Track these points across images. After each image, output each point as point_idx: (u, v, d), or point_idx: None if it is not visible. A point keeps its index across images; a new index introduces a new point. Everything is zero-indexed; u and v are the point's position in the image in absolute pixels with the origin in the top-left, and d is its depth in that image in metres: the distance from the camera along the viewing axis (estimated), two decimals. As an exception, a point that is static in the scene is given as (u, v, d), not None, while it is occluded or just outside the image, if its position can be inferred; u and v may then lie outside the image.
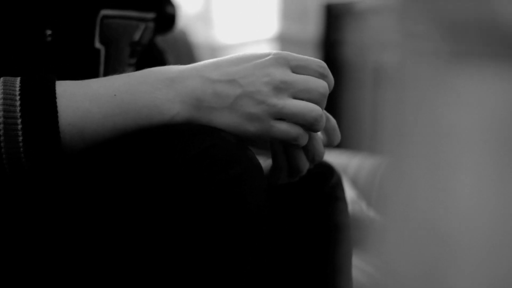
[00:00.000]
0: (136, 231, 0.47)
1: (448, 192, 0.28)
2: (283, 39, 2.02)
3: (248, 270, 0.50)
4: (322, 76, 0.54)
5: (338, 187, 0.71)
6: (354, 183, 1.27)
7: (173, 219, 0.47)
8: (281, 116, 0.52)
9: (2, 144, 0.47)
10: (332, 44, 2.09)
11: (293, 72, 0.53)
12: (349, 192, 1.14)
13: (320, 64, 0.54)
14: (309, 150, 0.57)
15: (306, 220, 0.68)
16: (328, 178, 0.71)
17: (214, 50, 2.15)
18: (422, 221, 0.29)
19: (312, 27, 2.10)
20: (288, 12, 2.03)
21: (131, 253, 0.47)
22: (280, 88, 0.52)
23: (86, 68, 0.62)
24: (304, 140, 0.54)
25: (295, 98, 0.53)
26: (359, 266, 1.01)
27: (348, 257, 0.71)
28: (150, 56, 0.79)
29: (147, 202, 0.47)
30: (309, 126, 0.53)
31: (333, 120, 0.58)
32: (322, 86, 0.53)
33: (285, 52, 0.54)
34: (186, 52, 1.43)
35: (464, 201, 0.27)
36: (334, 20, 2.09)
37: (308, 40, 2.08)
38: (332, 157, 1.34)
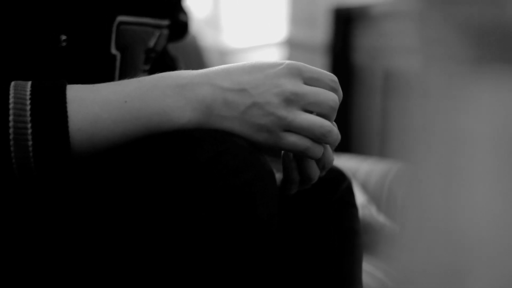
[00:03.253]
0: (147, 236, 0.47)
1: (463, 198, 0.28)
2: (291, 44, 2.02)
3: (256, 277, 0.50)
4: (333, 89, 0.54)
5: (349, 192, 0.71)
6: (364, 188, 1.27)
7: (185, 224, 0.47)
8: (290, 128, 0.52)
9: (11, 148, 0.47)
10: (340, 49, 2.09)
11: (305, 83, 0.53)
12: (360, 197, 1.14)
13: (331, 77, 0.54)
14: (319, 158, 0.56)
15: (317, 225, 0.67)
16: (339, 183, 0.70)
17: (223, 54, 2.15)
18: (436, 226, 0.29)
19: (320, 31, 2.10)
20: (297, 17, 2.03)
21: (141, 258, 0.47)
22: (291, 100, 0.52)
23: (101, 74, 0.62)
24: (316, 152, 0.54)
25: (305, 110, 0.53)
26: (370, 271, 1.01)
27: (358, 262, 0.71)
28: (162, 63, 0.79)
29: (158, 207, 0.47)
30: (318, 140, 0.53)
31: (334, 124, 0.57)
32: (333, 99, 0.53)
33: (299, 62, 0.53)
34: (195, 57, 1.43)
35: (478, 207, 0.27)
36: (342, 25, 2.08)
37: (316, 45, 2.08)
38: (342, 162, 1.34)
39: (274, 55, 2.02)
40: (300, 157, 0.56)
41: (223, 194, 0.47)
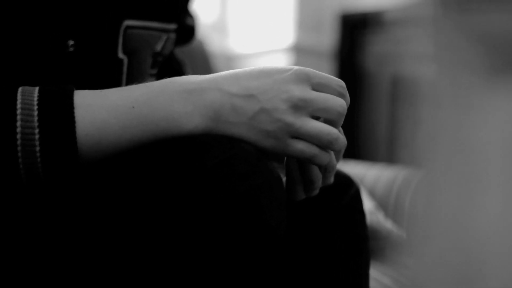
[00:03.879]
0: (154, 242, 0.47)
1: (474, 206, 0.28)
2: (298, 49, 2.02)
3: (264, 283, 0.50)
4: (340, 95, 0.54)
5: (356, 198, 0.71)
6: (372, 194, 1.27)
7: (192, 230, 0.46)
8: (298, 135, 0.52)
9: (19, 154, 0.47)
10: (347, 54, 2.09)
11: (313, 89, 0.53)
12: (367, 203, 1.13)
13: (339, 83, 0.54)
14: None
15: (325, 231, 0.67)
16: (347, 189, 0.70)
17: (230, 60, 2.15)
18: (446, 233, 0.29)
19: (327, 37, 2.10)
20: (304, 22, 2.04)
21: (148, 264, 0.47)
22: (299, 106, 0.52)
23: (108, 78, 0.62)
24: (323, 159, 0.54)
25: (313, 116, 0.53)
26: (377, 277, 1.00)
27: (365, 268, 0.70)
28: (169, 67, 0.79)
29: (165, 213, 0.47)
30: (324, 147, 0.53)
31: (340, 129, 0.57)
32: (341, 105, 0.53)
33: (307, 68, 0.53)
34: (202, 62, 1.44)
35: (490, 215, 0.27)
36: (349, 31, 2.09)
37: (323, 51, 2.08)
38: (349, 168, 1.33)
39: (281, 61, 2.02)
40: (305, 164, 0.56)
41: (231, 200, 0.47)
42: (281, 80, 0.52)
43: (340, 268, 0.66)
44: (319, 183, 0.57)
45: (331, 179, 0.59)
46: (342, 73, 2.06)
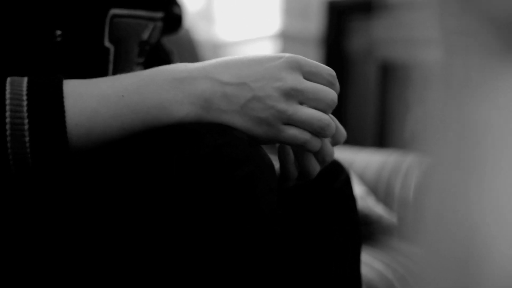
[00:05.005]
0: (146, 230, 0.47)
1: (479, 192, 0.28)
2: (285, 36, 2.01)
3: (258, 268, 0.50)
4: (330, 84, 0.55)
5: (347, 184, 0.71)
6: (361, 179, 1.27)
7: (184, 218, 0.46)
8: (290, 122, 0.53)
9: (8, 144, 0.47)
10: (334, 41, 2.08)
11: (304, 77, 0.53)
12: (357, 189, 1.14)
13: (330, 72, 0.55)
14: (318, 152, 0.57)
15: (316, 217, 0.67)
16: (337, 175, 0.71)
17: (217, 48, 2.14)
18: (447, 219, 0.29)
19: (314, 24, 2.09)
20: (291, 9, 2.03)
21: (140, 251, 0.47)
22: (291, 94, 0.52)
23: (95, 68, 0.62)
24: (314, 145, 0.54)
25: (303, 104, 0.53)
26: (368, 262, 1.01)
27: (357, 253, 0.71)
28: (156, 56, 0.78)
29: (157, 201, 0.47)
30: (316, 133, 0.54)
31: (335, 120, 0.58)
32: (331, 97, 0.54)
33: (298, 56, 0.53)
34: (189, 50, 1.43)
35: (493, 200, 0.27)
36: (336, 17, 2.08)
37: (310, 37, 2.07)
38: (338, 153, 1.33)
39: (268, 48, 2.01)
40: (299, 151, 0.56)
41: (224, 187, 0.47)
42: (273, 68, 0.52)
43: (332, 253, 0.66)
44: (315, 173, 0.58)
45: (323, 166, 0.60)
46: (330, 60, 2.06)
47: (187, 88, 0.51)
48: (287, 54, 0.53)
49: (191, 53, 1.42)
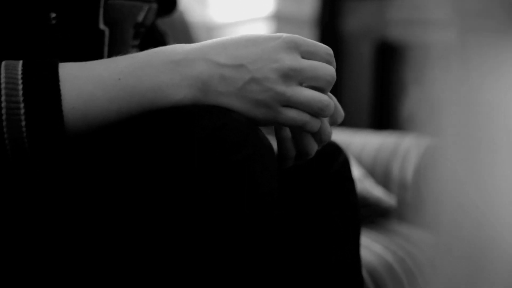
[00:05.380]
0: (144, 215, 0.46)
1: (484, 174, 0.27)
2: (279, 18, 2.00)
3: (259, 252, 0.50)
4: (328, 62, 0.54)
5: (345, 166, 0.71)
6: (359, 161, 1.27)
7: (183, 201, 0.46)
8: (289, 103, 0.52)
9: (4, 129, 0.47)
10: (328, 21, 2.07)
11: (302, 57, 0.53)
12: (355, 171, 1.13)
13: (327, 50, 0.54)
14: (316, 132, 0.56)
15: (315, 201, 0.67)
16: (335, 158, 0.70)
17: (210, 29, 2.13)
18: (453, 200, 0.29)
19: (308, 5, 2.08)
20: (284, -10, 2.01)
21: (139, 235, 0.46)
22: (289, 75, 0.51)
23: (90, 50, 0.61)
24: (313, 126, 0.54)
25: (302, 84, 0.53)
26: (367, 244, 1.01)
27: (357, 236, 0.71)
28: (152, 38, 0.78)
29: (155, 184, 0.46)
30: (316, 114, 0.53)
31: (334, 99, 0.57)
32: (330, 74, 0.53)
33: (295, 36, 0.53)
34: (182, 32, 1.42)
35: (504, 182, 0.27)
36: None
37: (304, 18, 2.06)
38: (334, 135, 1.33)
39: (262, 30, 2.00)
40: (297, 131, 0.56)
41: (224, 169, 0.46)
42: (270, 49, 0.51)
43: (333, 237, 0.66)
44: (313, 153, 0.57)
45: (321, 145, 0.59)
46: (324, 41, 2.04)
47: (184, 70, 0.50)
48: (284, 34, 0.53)
49: (185, 35, 1.41)
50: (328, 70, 0.53)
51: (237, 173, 0.47)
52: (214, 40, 0.53)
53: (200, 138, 0.47)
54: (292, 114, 0.52)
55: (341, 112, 0.59)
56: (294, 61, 0.52)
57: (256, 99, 0.51)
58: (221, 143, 0.47)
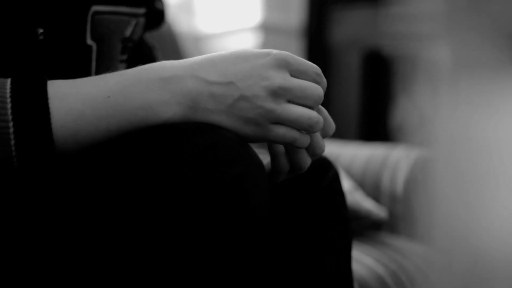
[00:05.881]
0: (136, 232, 0.46)
1: (475, 192, 0.27)
2: (266, 28, 2.00)
3: (250, 268, 0.49)
4: (316, 82, 0.54)
5: (335, 180, 0.71)
6: (348, 173, 1.27)
7: (175, 219, 0.46)
8: (279, 121, 0.52)
9: None
10: (316, 32, 2.08)
11: (291, 75, 0.53)
12: (345, 183, 1.13)
13: (316, 70, 0.54)
14: (309, 146, 0.56)
15: (306, 214, 0.67)
16: (325, 172, 0.71)
17: (198, 40, 2.13)
18: (444, 215, 0.28)
19: (295, 15, 2.08)
20: (271, 1, 2.02)
21: (130, 254, 0.46)
22: (278, 93, 0.51)
23: (78, 66, 0.61)
24: (303, 142, 0.54)
25: (290, 102, 0.53)
26: (358, 257, 1.00)
27: (348, 249, 0.70)
28: (139, 52, 0.77)
29: (146, 202, 0.46)
30: (306, 130, 0.54)
31: (325, 111, 0.57)
32: (318, 94, 0.53)
33: (286, 53, 0.53)
34: (170, 43, 1.42)
35: (498, 198, 0.26)
36: (318, 8, 2.08)
37: (291, 29, 2.07)
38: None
39: (249, 40, 2.00)
40: (289, 146, 0.56)
41: (216, 187, 0.46)
42: (260, 66, 0.51)
43: (325, 251, 0.66)
44: (306, 166, 0.57)
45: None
46: (311, 51, 2.05)
47: (173, 87, 0.50)
48: (274, 51, 0.53)
49: (172, 46, 1.41)
50: (316, 90, 0.53)
51: (229, 191, 0.47)
52: (203, 56, 0.53)
53: (192, 156, 0.46)
54: (281, 131, 0.52)
55: (332, 125, 0.59)
56: (283, 79, 0.52)
57: (245, 116, 0.51)
58: (212, 161, 0.47)
